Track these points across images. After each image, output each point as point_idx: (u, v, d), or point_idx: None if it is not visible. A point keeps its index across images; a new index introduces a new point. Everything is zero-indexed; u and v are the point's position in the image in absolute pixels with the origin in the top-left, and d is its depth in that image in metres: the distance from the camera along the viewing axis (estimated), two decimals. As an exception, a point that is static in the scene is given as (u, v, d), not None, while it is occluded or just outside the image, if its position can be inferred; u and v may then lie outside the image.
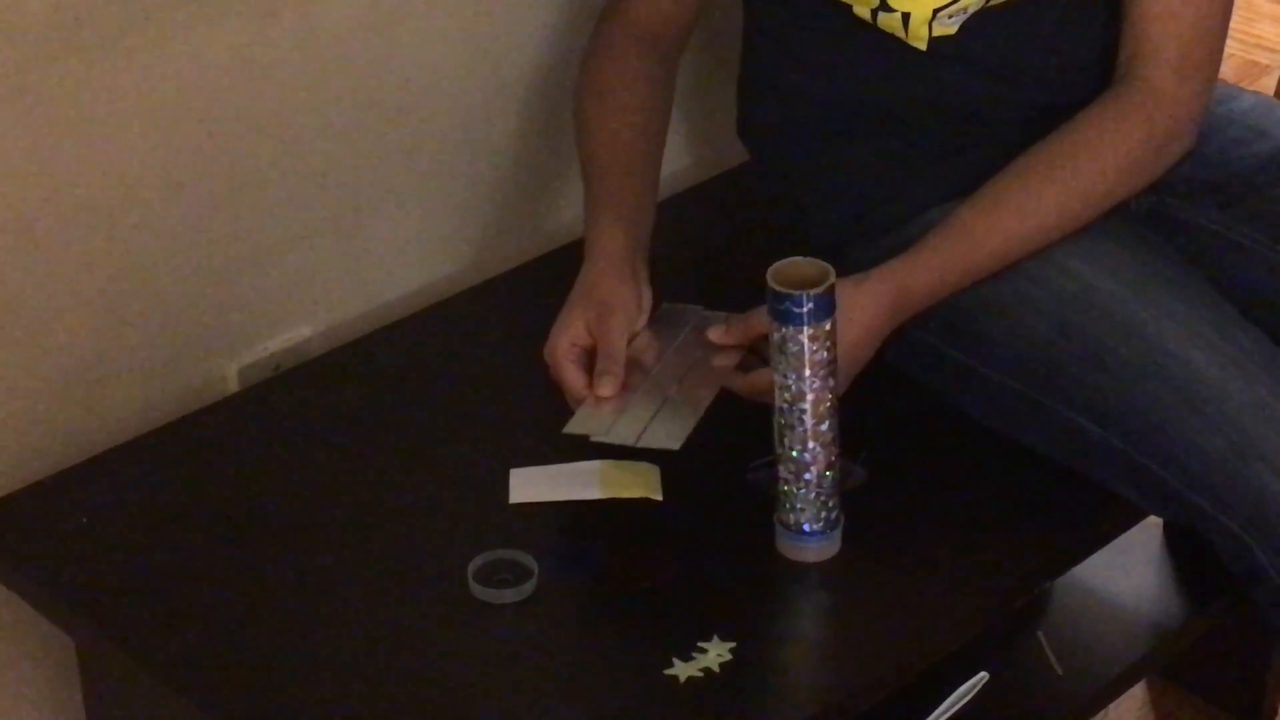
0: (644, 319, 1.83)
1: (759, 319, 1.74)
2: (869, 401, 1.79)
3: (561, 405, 1.89)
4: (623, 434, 1.75)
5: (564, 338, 1.80)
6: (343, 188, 2.02)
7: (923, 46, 1.88)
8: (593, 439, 1.76)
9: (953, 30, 1.87)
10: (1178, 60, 1.84)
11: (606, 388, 1.76)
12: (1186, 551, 2.03)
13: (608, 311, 1.80)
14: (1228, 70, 1.94)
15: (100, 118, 1.82)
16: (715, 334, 1.79)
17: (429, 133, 2.07)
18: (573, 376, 1.78)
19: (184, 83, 1.86)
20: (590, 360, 1.79)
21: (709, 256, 2.12)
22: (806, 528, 1.71)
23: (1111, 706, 2.10)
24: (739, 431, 1.79)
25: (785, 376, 1.67)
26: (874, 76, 1.92)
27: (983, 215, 1.83)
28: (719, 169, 2.27)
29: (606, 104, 1.95)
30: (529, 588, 1.69)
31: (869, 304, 1.78)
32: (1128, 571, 2.02)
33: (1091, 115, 1.86)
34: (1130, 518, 1.85)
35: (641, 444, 1.75)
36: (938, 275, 1.82)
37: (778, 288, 1.65)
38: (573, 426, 1.77)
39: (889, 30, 1.88)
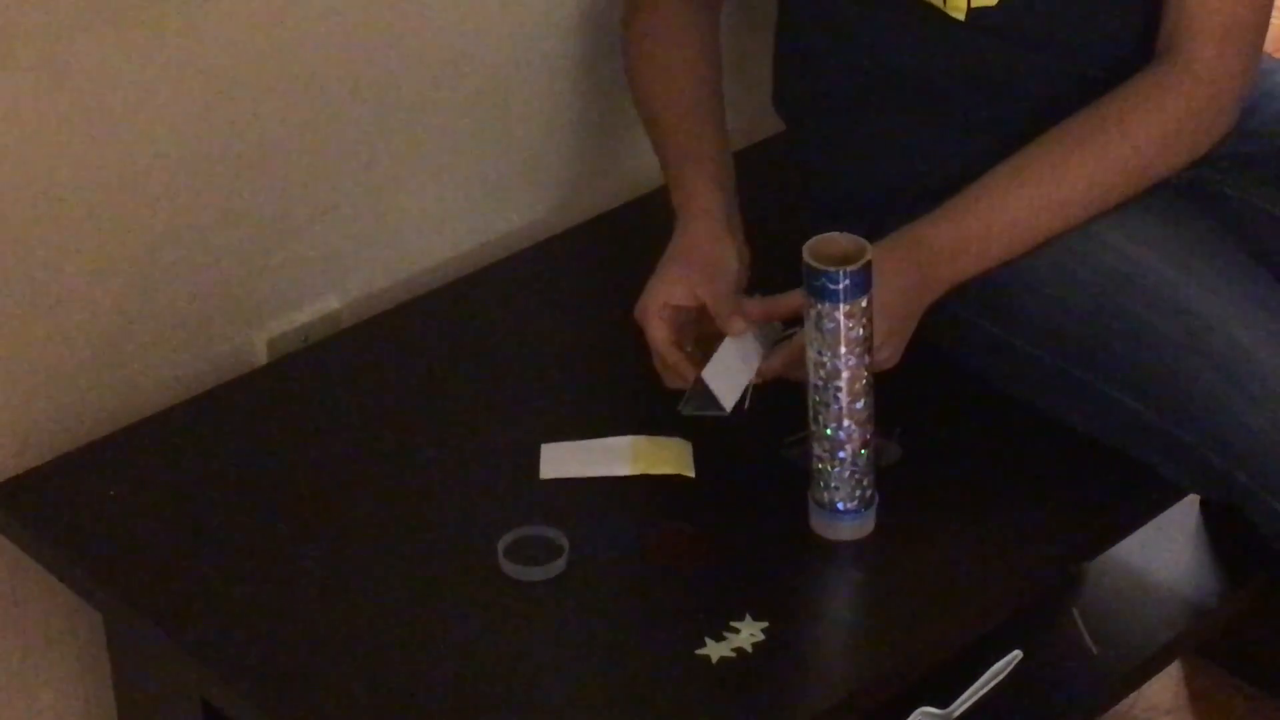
0: (745, 275, 1.81)
1: (787, 304, 1.74)
2: (904, 378, 1.77)
3: (593, 378, 1.88)
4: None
5: (660, 298, 1.78)
6: (373, 157, 2.01)
7: (961, 17, 1.86)
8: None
9: (993, 2, 1.85)
10: (1220, 35, 1.82)
11: (736, 325, 1.74)
12: (1223, 529, 2.02)
13: (714, 274, 1.78)
14: (1268, 40, 1.91)
15: (129, 87, 1.81)
16: (748, 304, 1.77)
17: (459, 101, 2.05)
18: (662, 334, 1.76)
19: (212, 52, 1.85)
20: (680, 322, 1.78)
21: (744, 229, 2.10)
22: (841, 506, 1.70)
23: (1146, 685, 2.09)
24: (772, 407, 1.78)
25: (821, 353, 1.65)
26: (912, 47, 1.90)
27: (1008, 178, 1.82)
28: (754, 139, 2.25)
29: (661, 62, 1.94)
30: (559, 565, 1.68)
31: (890, 261, 1.74)
32: (1163, 549, 2.01)
33: (1129, 88, 1.84)
34: (1169, 496, 1.83)
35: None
36: (959, 232, 1.80)
37: (814, 263, 1.63)
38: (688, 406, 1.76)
39: (928, -1, 1.86)
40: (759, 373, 1.76)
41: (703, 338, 1.79)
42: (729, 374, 1.75)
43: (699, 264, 1.79)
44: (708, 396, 1.74)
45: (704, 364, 1.75)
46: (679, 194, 1.87)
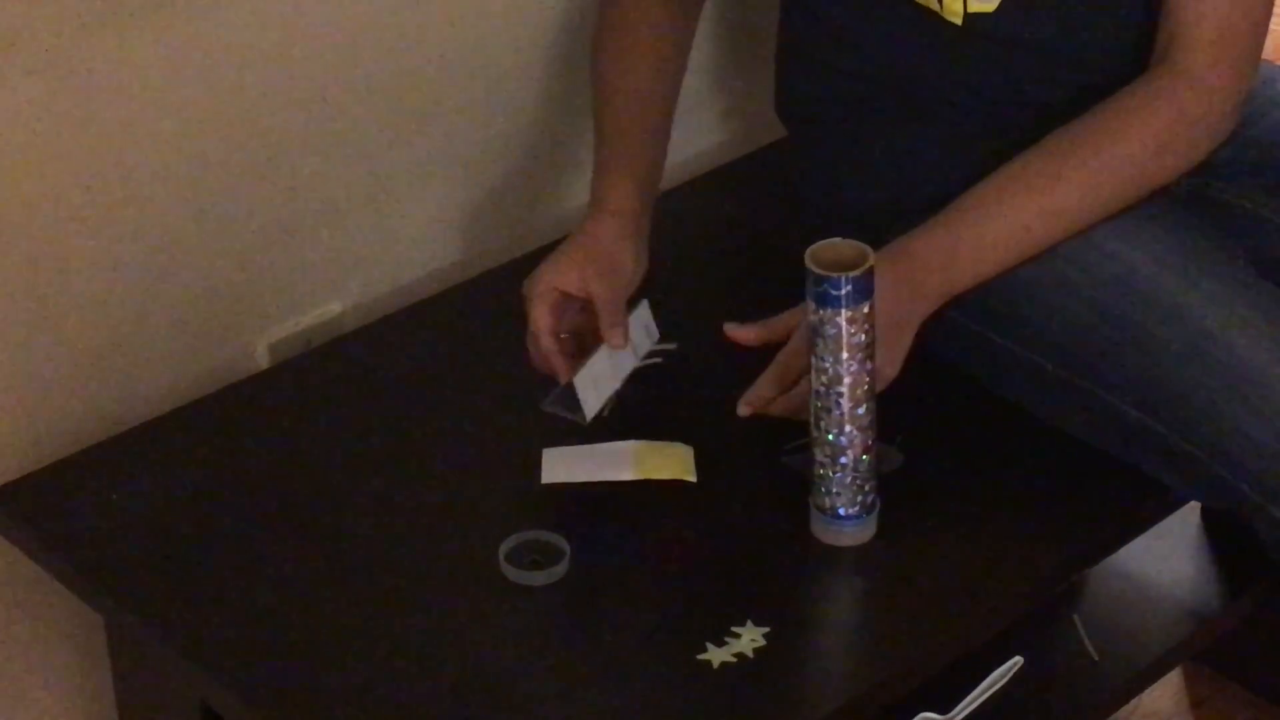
0: (639, 278, 1.83)
1: (784, 324, 1.74)
2: (906, 385, 1.77)
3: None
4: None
5: (550, 280, 1.79)
6: (375, 162, 2.01)
7: (958, 21, 1.86)
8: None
9: (990, 8, 1.85)
10: (1214, 43, 1.82)
11: (619, 337, 1.78)
12: (1224, 537, 2.01)
13: (609, 269, 1.80)
14: (1269, 47, 1.91)
15: (133, 92, 1.81)
16: (736, 331, 1.77)
17: (461, 107, 2.05)
18: (543, 321, 1.78)
19: (215, 57, 1.85)
20: (562, 305, 1.79)
21: (744, 234, 2.11)
22: (842, 512, 1.70)
23: (1147, 692, 2.09)
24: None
25: (822, 360, 1.65)
26: (910, 53, 1.90)
27: (1002, 188, 1.82)
28: (756, 145, 2.25)
29: (623, 55, 1.95)
30: (561, 570, 1.68)
31: (881, 273, 1.74)
32: (1164, 557, 2.00)
33: (1121, 97, 1.84)
34: (1170, 504, 1.83)
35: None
36: (950, 243, 1.80)
37: (816, 270, 1.63)
38: (552, 405, 1.79)
39: (924, 3, 1.86)
40: (748, 401, 1.75)
41: (578, 330, 1.81)
42: (598, 383, 1.78)
43: (598, 258, 1.80)
44: (573, 401, 1.76)
45: (573, 360, 1.78)
46: (599, 184, 1.88)
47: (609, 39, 1.96)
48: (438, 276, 2.08)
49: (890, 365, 1.74)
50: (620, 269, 1.81)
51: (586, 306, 1.80)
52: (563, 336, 1.80)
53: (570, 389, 1.76)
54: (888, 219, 1.90)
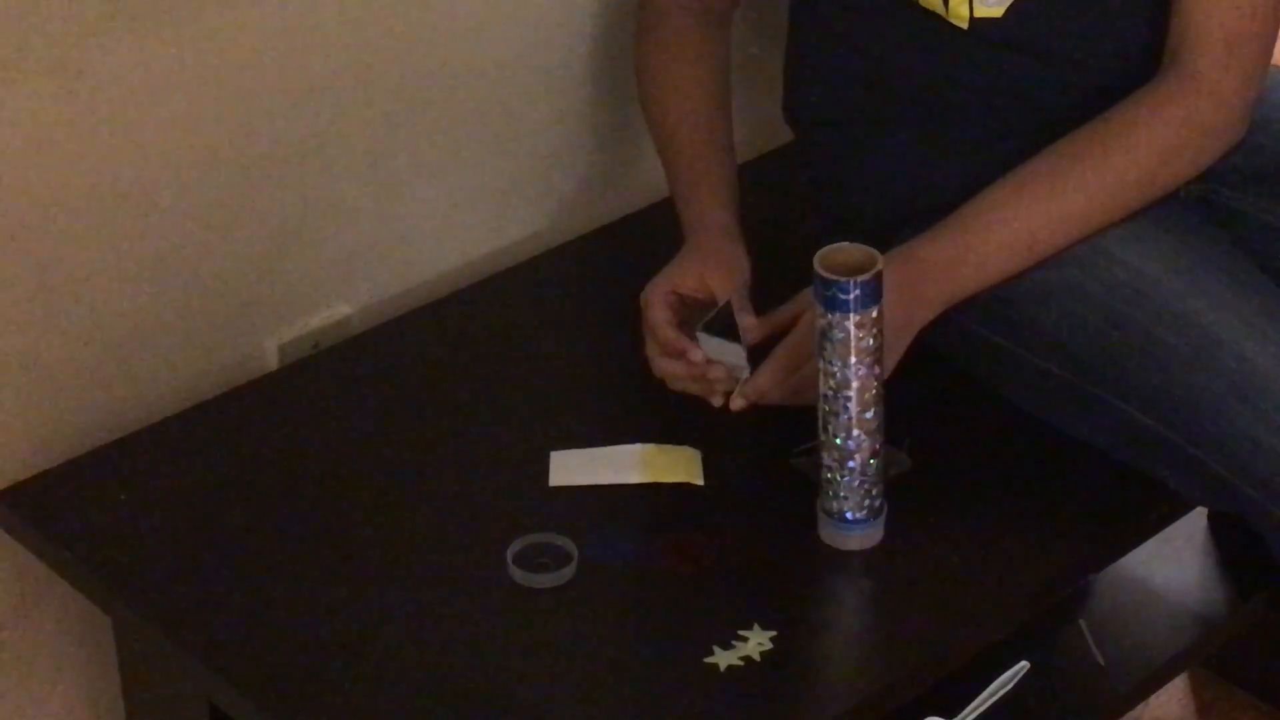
0: (750, 282, 1.84)
1: (788, 314, 1.76)
2: (914, 389, 1.78)
3: (603, 386, 1.88)
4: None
5: (668, 283, 1.81)
6: (384, 164, 2.01)
7: (964, 26, 1.86)
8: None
9: (998, 13, 1.85)
10: (1223, 48, 1.81)
11: (749, 321, 1.78)
12: (1231, 543, 2.01)
13: (726, 267, 1.82)
14: (1278, 52, 1.91)
15: (142, 93, 1.82)
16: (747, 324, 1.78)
17: (470, 108, 2.06)
18: (659, 311, 1.79)
19: (225, 58, 1.86)
20: (681, 312, 1.80)
21: (752, 238, 2.10)
22: (849, 516, 1.70)
23: (1153, 697, 2.09)
24: (781, 416, 1.78)
25: (831, 363, 1.65)
26: (917, 57, 1.90)
27: (1005, 194, 1.82)
28: (764, 149, 2.25)
29: (672, 80, 1.96)
30: (568, 572, 1.68)
31: (886, 278, 1.75)
32: (1171, 562, 2.00)
33: (1130, 102, 1.84)
34: (1177, 509, 1.83)
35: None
36: (954, 249, 1.80)
37: (825, 274, 1.63)
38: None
39: (929, 8, 1.86)
40: (744, 394, 1.76)
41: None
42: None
43: (712, 255, 1.82)
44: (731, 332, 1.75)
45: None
46: (691, 212, 1.89)
47: (653, 72, 1.98)
48: (446, 279, 2.08)
49: (886, 369, 1.74)
50: (736, 266, 1.83)
51: (701, 316, 1.80)
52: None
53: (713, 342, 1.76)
54: (894, 223, 1.90)
